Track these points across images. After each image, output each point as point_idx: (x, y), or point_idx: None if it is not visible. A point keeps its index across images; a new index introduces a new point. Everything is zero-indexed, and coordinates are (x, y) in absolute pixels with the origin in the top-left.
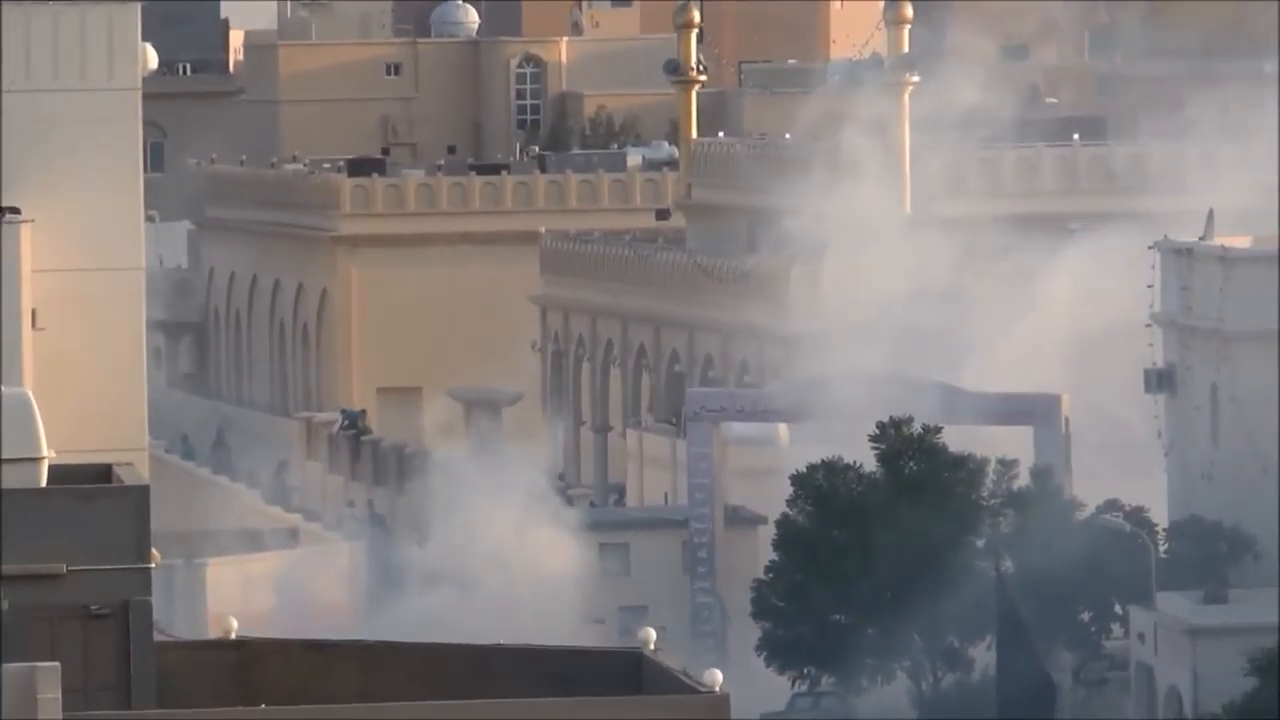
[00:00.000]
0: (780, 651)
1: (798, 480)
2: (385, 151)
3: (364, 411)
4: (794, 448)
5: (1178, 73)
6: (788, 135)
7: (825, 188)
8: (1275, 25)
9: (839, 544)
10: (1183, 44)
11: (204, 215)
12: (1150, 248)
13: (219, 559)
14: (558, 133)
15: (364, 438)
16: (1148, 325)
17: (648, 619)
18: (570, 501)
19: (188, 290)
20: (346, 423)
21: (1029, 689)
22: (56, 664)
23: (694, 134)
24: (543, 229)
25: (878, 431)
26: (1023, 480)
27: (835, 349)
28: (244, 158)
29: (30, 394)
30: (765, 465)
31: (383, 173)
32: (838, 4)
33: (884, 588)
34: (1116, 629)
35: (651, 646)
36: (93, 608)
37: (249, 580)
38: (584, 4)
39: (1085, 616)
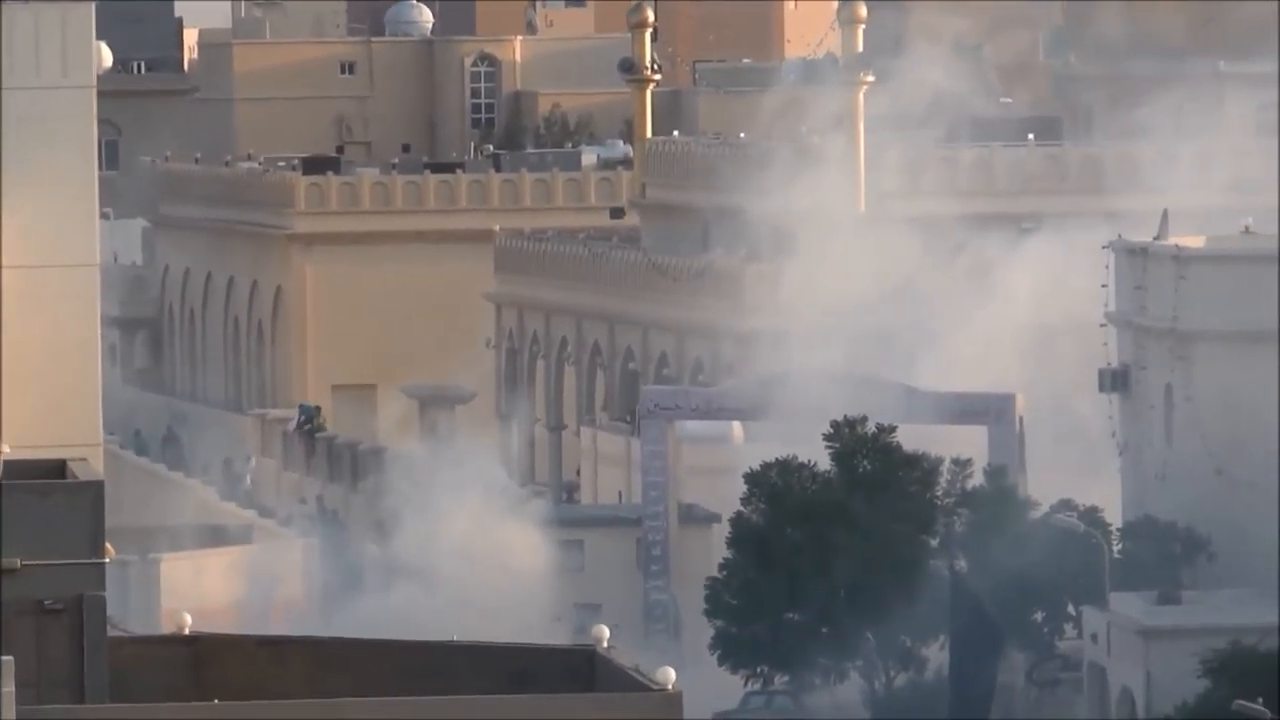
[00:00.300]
0: (733, 650)
1: (752, 479)
2: (340, 150)
3: (319, 408)
4: (748, 446)
5: (1133, 73)
6: (742, 134)
7: (780, 186)
8: (1229, 27)
9: (793, 543)
10: (1139, 44)
11: (159, 213)
12: (1105, 247)
13: (173, 555)
14: (512, 131)
15: (319, 434)
16: (1102, 325)
17: (602, 616)
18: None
19: (142, 287)
20: (303, 418)
21: (980, 690)
22: (10, 658)
23: (649, 133)
24: (497, 227)
25: (832, 430)
26: (977, 479)
27: (790, 348)
28: (199, 155)
29: None
30: (719, 464)
31: (337, 171)
32: (791, 4)
33: (837, 587)
34: (1070, 629)
35: (605, 644)
36: (47, 602)
37: (203, 576)
38: (538, 3)
39: (1039, 616)
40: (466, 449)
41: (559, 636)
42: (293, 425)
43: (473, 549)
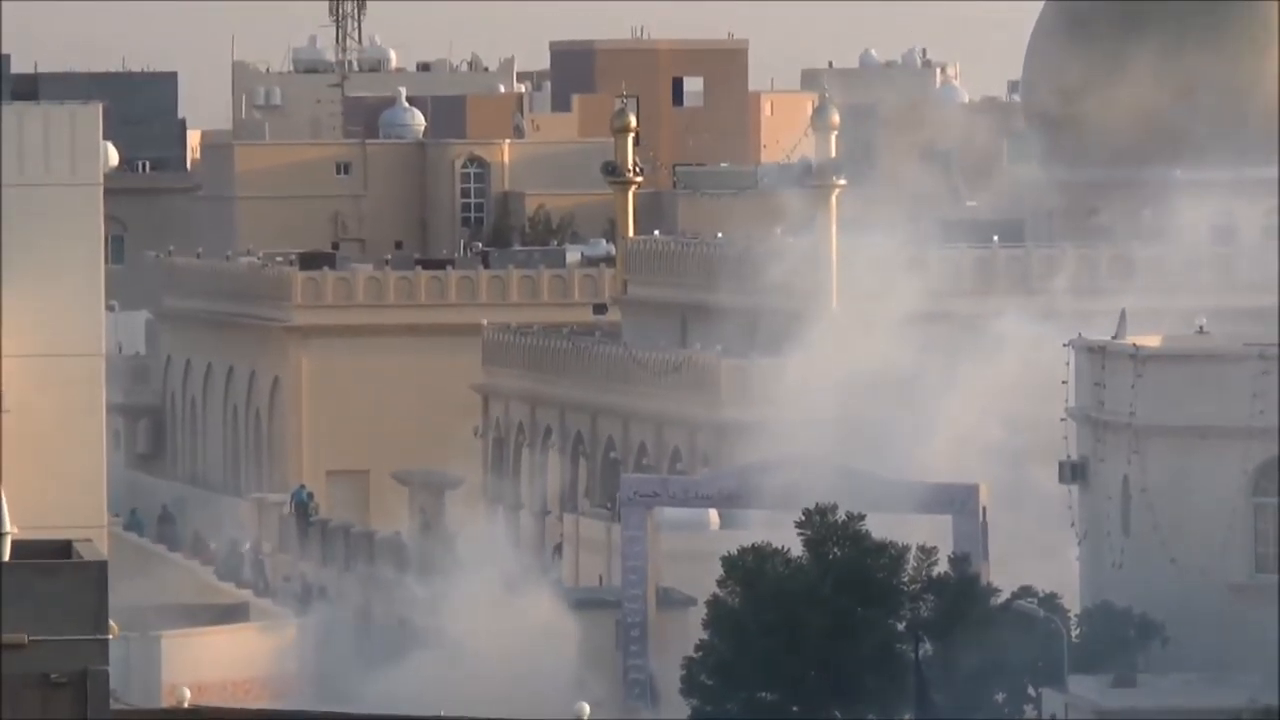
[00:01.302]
0: None
1: (727, 562)
2: (335, 246)
3: (311, 494)
4: (724, 533)
5: (1092, 179)
6: (720, 234)
7: (755, 284)
8: (1184, 132)
9: (766, 624)
10: (1098, 152)
11: (162, 305)
12: (1065, 345)
13: (173, 631)
14: (500, 230)
15: (312, 518)
16: (1062, 419)
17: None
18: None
19: (145, 376)
20: (297, 503)
21: None
22: None
23: (630, 232)
24: (485, 321)
25: (804, 518)
26: (942, 566)
27: (764, 439)
28: (200, 250)
29: None
30: (696, 549)
31: (333, 266)
32: (768, 111)
33: (808, 667)
34: (1030, 710)
35: None
36: (53, 676)
37: (202, 652)
38: (526, 108)
39: (1000, 697)
40: (456, 534)
41: (540, 710)
42: (286, 509)
43: (461, 628)
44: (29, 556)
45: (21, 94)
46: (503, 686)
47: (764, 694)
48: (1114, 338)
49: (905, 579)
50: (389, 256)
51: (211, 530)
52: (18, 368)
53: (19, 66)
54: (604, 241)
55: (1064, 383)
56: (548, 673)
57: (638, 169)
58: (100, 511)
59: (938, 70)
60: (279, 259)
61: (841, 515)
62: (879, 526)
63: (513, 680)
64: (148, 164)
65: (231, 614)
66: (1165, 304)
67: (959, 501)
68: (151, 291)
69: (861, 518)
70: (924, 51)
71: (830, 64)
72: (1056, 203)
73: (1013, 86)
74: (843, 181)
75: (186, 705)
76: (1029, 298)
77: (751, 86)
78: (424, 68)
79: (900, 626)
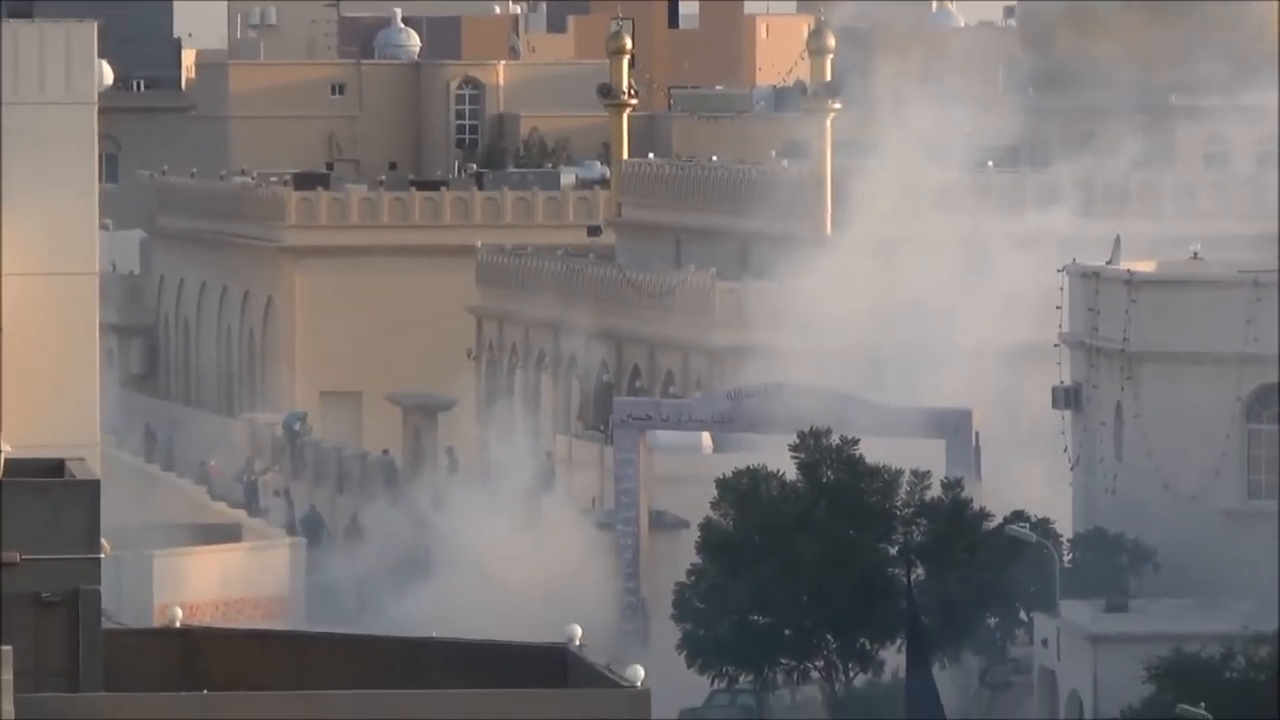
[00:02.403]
0: (700, 651)
1: (721, 485)
2: (330, 167)
3: (303, 416)
4: (717, 456)
5: (1089, 105)
6: (714, 157)
7: (749, 208)
8: (1180, 58)
9: (758, 548)
10: (1095, 77)
11: (156, 224)
12: (1059, 271)
13: (165, 551)
14: (494, 152)
15: (305, 439)
16: (1056, 345)
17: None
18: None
19: (139, 295)
20: (287, 429)
21: (928, 695)
22: (8, 648)
23: (625, 155)
24: (479, 243)
25: (798, 441)
26: (935, 491)
27: (757, 362)
28: (194, 170)
29: None
30: (689, 472)
31: (327, 187)
32: (764, 33)
33: (800, 591)
34: (1022, 635)
35: (577, 643)
36: (45, 595)
37: (194, 572)
38: (521, 29)
39: (992, 622)
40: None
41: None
42: (279, 430)
43: (456, 549)
44: (22, 475)
45: (17, 12)
46: (509, 607)
47: (755, 617)
48: (1108, 263)
49: (898, 503)
50: (383, 177)
51: (205, 450)
52: (12, 287)
53: None
54: (598, 164)
55: (1058, 308)
56: (552, 594)
57: (633, 91)
58: (94, 430)
59: None
60: (273, 179)
61: (835, 439)
62: (873, 451)
63: (516, 602)
64: (142, 83)
65: (224, 534)
66: (1160, 230)
67: (953, 426)
68: (145, 211)
69: (855, 442)
70: None
71: None
72: (1052, 128)
73: (1009, 11)
74: (838, 105)
75: (178, 625)
76: (1024, 223)
77: (747, 9)
78: None
79: (893, 551)
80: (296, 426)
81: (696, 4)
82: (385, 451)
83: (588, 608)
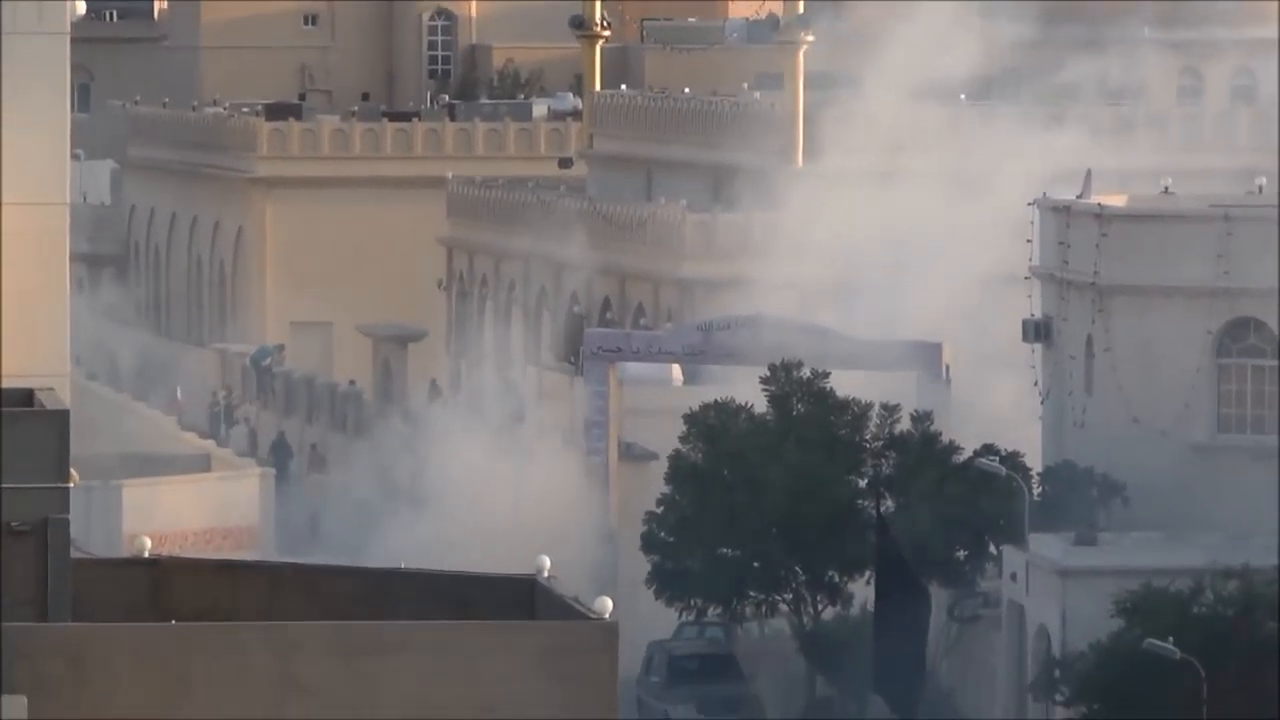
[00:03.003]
0: (669, 583)
1: (690, 419)
2: (302, 97)
3: (277, 348)
4: (687, 388)
5: (1061, 37)
6: (687, 90)
7: (721, 141)
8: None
9: (728, 481)
10: (1067, 10)
11: (127, 154)
12: (1030, 204)
13: (134, 481)
14: (467, 83)
15: (276, 369)
16: (1026, 278)
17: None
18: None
19: (110, 225)
20: (263, 359)
21: (905, 621)
22: None
23: (597, 86)
24: (451, 174)
25: (768, 374)
26: (905, 424)
27: (728, 295)
28: (166, 100)
29: None
30: (659, 405)
31: (299, 117)
32: None
33: (769, 524)
34: (991, 568)
35: (545, 574)
36: (13, 524)
37: (163, 502)
38: None
39: (961, 555)
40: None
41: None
42: (249, 360)
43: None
44: None
45: None
46: (486, 538)
47: (725, 550)
48: (1079, 197)
49: (868, 436)
50: (355, 108)
51: (175, 380)
52: None
53: None
54: (570, 95)
55: (1028, 242)
56: (528, 525)
57: (605, 23)
58: (63, 361)
59: None
60: (245, 109)
61: (806, 372)
62: (843, 384)
63: (494, 532)
64: (114, 13)
65: (193, 464)
66: (1131, 163)
67: (922, 359)
68: (117, 141)
69: (826, 375)
70: None
71: None
72: (1023, 60)
73: None
74: (810, 37)
75: (147, 554)
76: (994, 155)
77: None
78: None
79: (862, 483)
80: (267, 361)
81: None
82: (351, 382)
83: (564, 537)
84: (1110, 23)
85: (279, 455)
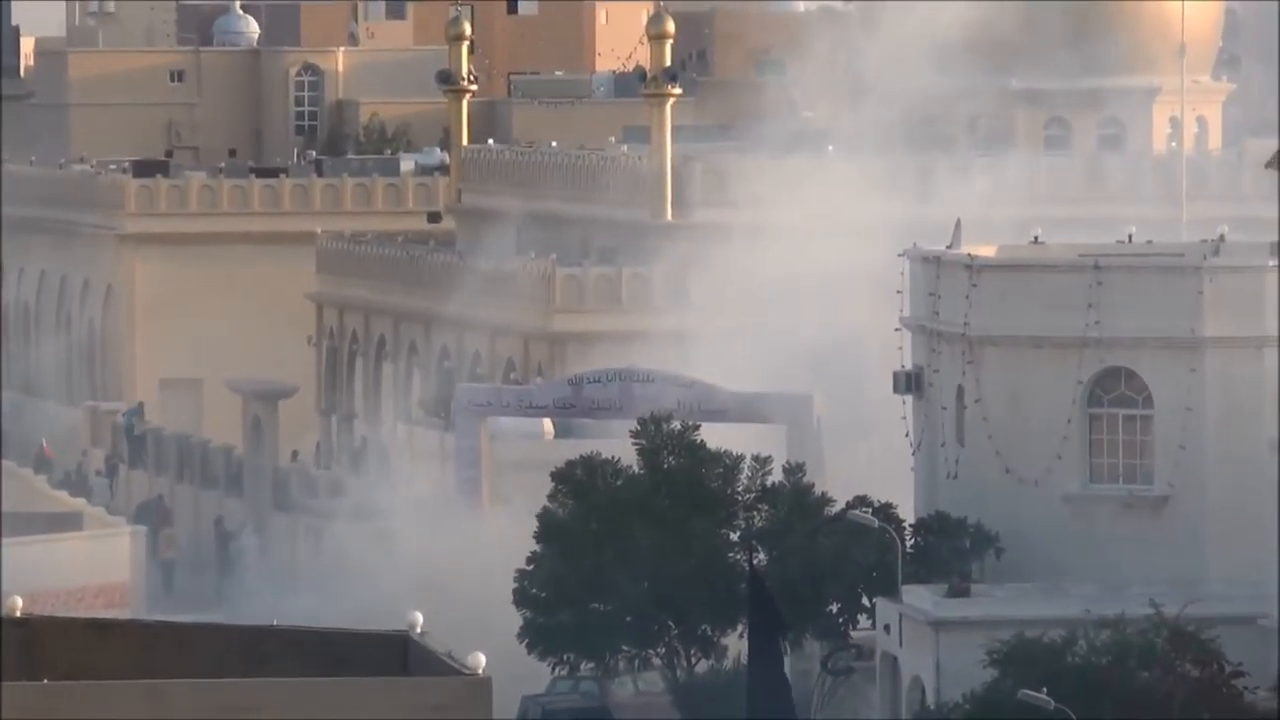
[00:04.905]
0: (541, 638)
1: (558, 475)
2: (169, 154)
3: (141, 404)
4: (558, 441)
5: (928, 88)
6: (554, 143)
7: (590, 195)
8: (1021, 43)
9: (597, 536)
10: (933, 60)
11: None
12: (900, 255)
13: (6, 540)
14: (335, 138)
15: (144, 428)
16: (897, 329)
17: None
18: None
19: None
20: (126, 426)
21: (776, 681)
22: None
23: (465, 141)
24: (319, 230)
25: (638, 427)
26: (776, 476)
27: (598, 349)
28: (34, 158)
29: None
30: (530, 459)
31: (167, 174)
32: (603, 19)
33: (641, 578)
34: (864, 620)
35: (418, 630)
36: None
37: (35, 561)
38: (360, 16)
39: (834, 607)
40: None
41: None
42: (120, 418)
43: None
44: None
45: None
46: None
47: (596, 605)
48: (949, 247)
49: (740, 488)
50: (223, 164)
51: (45, 439)
52: None
53: None
54: (438, 150)
55: (899, 293)
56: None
57: (472, 77)
58: None
59: None
60: (113, 166)
61: (676, 425)
62: (714, 437)
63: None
64: None
65: (65, 522)
66: (1000, 214)
67: (794, 411)
68: None
69: (696, 428)
70: None
71: None
72: (894, 111)
73: None
74: (678, 90)
75: (18, 614)
76: (864, 206)
77: None
78: None
79: (734, 536)
80: (133, 421)
81: None
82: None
83: (437, 592)
84: (979, 72)
85: (147, 513)
